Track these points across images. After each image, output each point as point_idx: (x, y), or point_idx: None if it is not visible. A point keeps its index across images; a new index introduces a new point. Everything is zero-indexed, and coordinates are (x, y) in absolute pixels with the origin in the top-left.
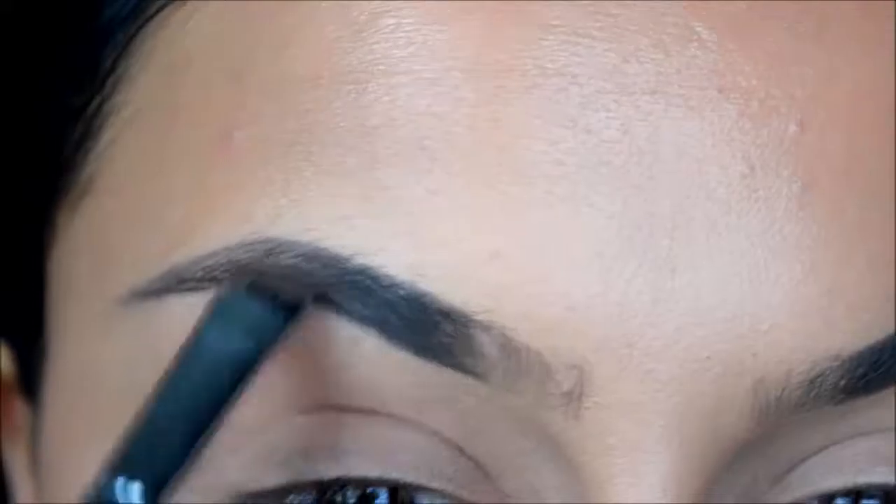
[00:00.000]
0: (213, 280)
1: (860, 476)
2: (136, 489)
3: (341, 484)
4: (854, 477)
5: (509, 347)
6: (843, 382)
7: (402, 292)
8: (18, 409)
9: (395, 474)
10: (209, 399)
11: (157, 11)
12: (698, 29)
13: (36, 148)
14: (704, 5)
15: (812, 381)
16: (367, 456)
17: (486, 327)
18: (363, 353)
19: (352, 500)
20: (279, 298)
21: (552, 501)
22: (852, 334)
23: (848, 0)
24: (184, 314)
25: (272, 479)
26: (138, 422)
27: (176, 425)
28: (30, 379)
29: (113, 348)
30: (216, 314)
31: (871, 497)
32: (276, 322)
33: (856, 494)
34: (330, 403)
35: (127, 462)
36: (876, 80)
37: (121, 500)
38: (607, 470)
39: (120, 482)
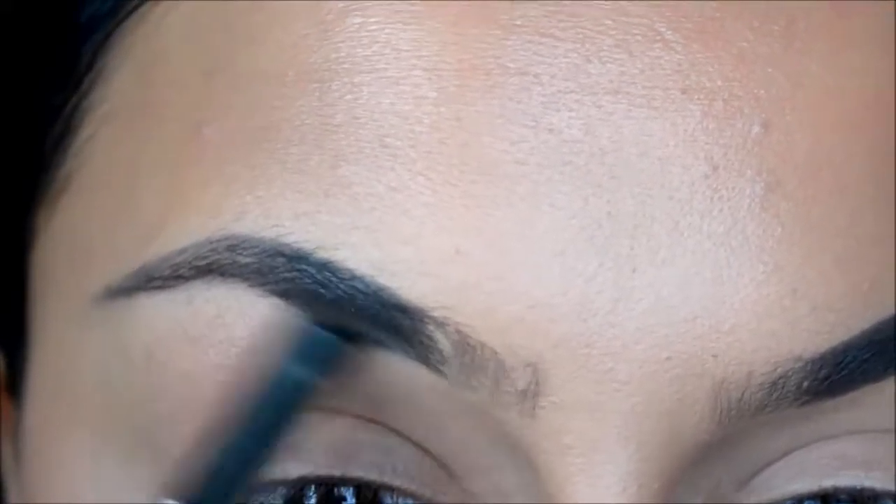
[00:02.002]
0: (180, 278)
1: (826, 479)
2: None
3: (304, 483)
4: (820, 480)
5: (464, 344)
6: (805, 384)
7: (360, 285)
8: (8, 408)
9: (358, 472)
10: (274, 427)
11: (135, 9)
12: (662, 29)
13: (16, 146)
14: (669, 6)
15: (774, 383)
16: (330, 455)
17: (441, 323)
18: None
19: (313, 500)
20: (343, 330)
21: (517, 502)
22: (816, 335)
23: (818, 5)
24: (151, 312)
25: None
26: (204, 450)
27: (240, 454)
28: (15, 379)
29: (89, 346)
30: (291, 348)
31: (838, 501)
32: (340, 353)
33: (822, 498)
34: None
35: (192, 488)
36: (844, 81)
37: None
38: (564, 469)
39: None
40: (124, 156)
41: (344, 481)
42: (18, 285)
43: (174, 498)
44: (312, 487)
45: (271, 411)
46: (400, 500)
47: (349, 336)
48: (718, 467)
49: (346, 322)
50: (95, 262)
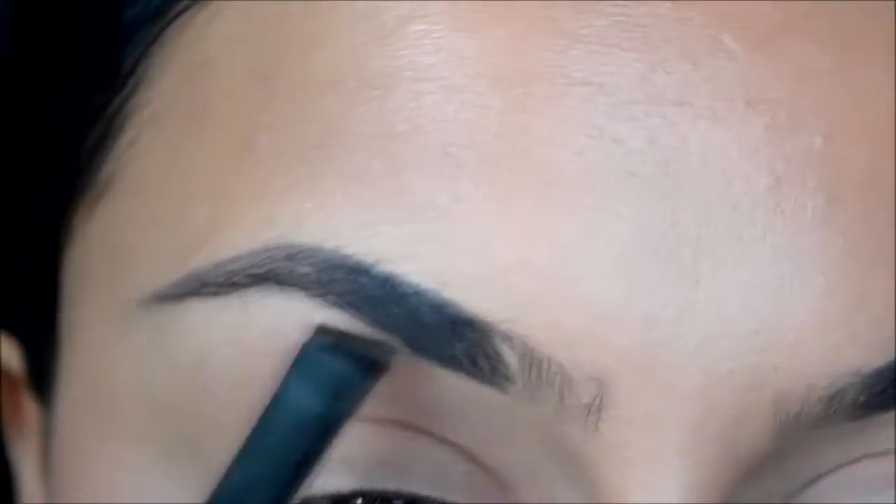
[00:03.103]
0: (235, 285)
1: (874, 497)
2: None
3: (358, 496)
4: (870, 496)
5: (531, 358)
6: (862, 398)
7: (425, 300)
8: (29, 407)
9: (411, 488)
10: (293, 459)
11: (181, 12)
12: (726, 40)
13: (54, 145)
14: (734, 17)
15: (832, 397)
16: (384, 469)
17: (508, 337)
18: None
19: None
20: (365, 358)
21: None
22: (874, 349)
23: (878, 8)
24: (203, 319)
25: None
26: (222, 480)
27: (259, 485)
28: (40, 378)
29: (129, 350)
30: (299, 372)
31: None
32: (360, 381)
33: None
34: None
35: None
36: None
37: None
38: (624, 482)
39: None
40: (171, 161)
41: (398, 495)
42: (49, 284)
43: None
44: (360, 500)
45: (290, 444)
46: None
47: (375, 362)
48: (772, 478)
49: (406, 336)
50: (139, 267)
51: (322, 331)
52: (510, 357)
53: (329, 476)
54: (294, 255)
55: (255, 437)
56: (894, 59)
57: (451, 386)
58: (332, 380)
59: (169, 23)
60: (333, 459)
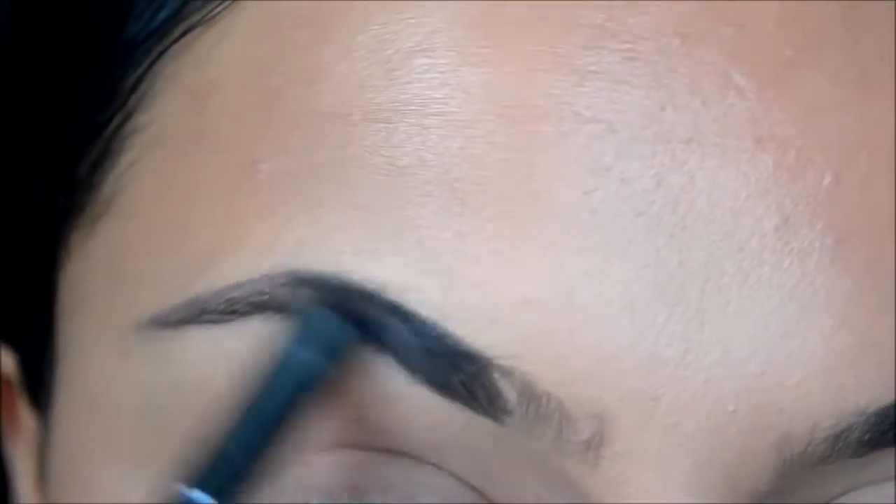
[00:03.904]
0: (235, 313)
1: None
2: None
3: None
4: None
5: (530, 393)
6: (868, 436)
7: (426, 330)
8: (23, 412)
9: None
10: (286, 413)
11: (185, 32)
12: (736, 77)
13: (54, 160)
14: (744, 52)
15: (837, 436)
16: (387, 495)
17: (508, 372)
18: (384, 390)
19: None
20: (355, 316)
21: None
22: (881, 388)
23: (891, 42)
24: (204, 346)
25: None
26: (221, 438)
27: (254, 440)
28: (36, 387)
29: (129, 373)
30: (303, 333)
31: None
32: (349, 339)
33: None
34: (349, 442)
35: (207, 477)
36: None
37: None
38: None
39: (196, 495)
40: (173, 183)
41: None
42: (46, 298)
43: (182, 481)
44: None
45: (277, 394)
46: None
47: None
48: None
49: (406, 365)
50: (139, 290)
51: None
52: (509, 391)
53: (332, 501)
54: (295, 282)
55: (260, 395)
56: None
57: (451, 417)
58: (329, 338)
59: (172, 43)
60: (336, 485)
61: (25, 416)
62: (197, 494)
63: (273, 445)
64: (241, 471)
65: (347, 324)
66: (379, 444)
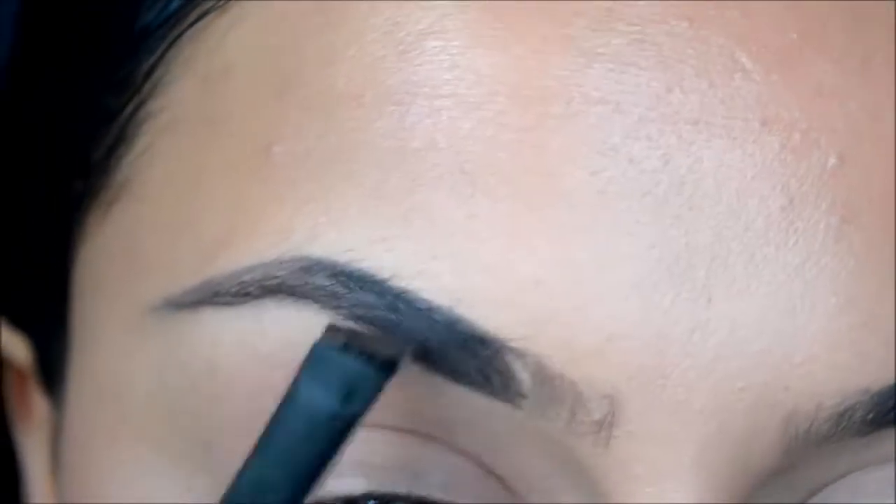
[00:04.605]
0: (248, 295)
1: (885, 498)
2: None
3: (369, 499)
4: (879, 499)
5: (543, 375)
6: (871, 416)
7: (438, 317)
8: (37, 400)
9: (423, 491)
10: (307, 459)
11: (198, 18)
12: (742, 59)
13: (69, 146)
14: (750, 35)
15: (841, 415)
16: (396, 472)
17: (521, 354)
18: (396, 375)
19: None
20: (377, 356)
21: None
22: (884, 368)
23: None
24: (217, 328)
25: None
26: (235, 480)
27: (273, 485)
28: (49, 373)
29: (142, 355)
30: (311, 371)
31: None
32: (373, 380)
33: None
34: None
35: None
36: None
37: None
38: (633, 498)
39: None
40: (187, 168)
41: (409, 498)
42: (60, 282)
43: None
44: (372, 503)
45: (306, 442)
46: None
47: (387, 360)
48: (780, 491)
49: (419, 351)
50: (153, 272)
51: (332, 329)
52: (522, 374)
53: (340, 478)
54: (308, 267)
55: (268, 437)
56: None
57: (463, 398)
58: (345, 378)
59: (186, 29)
60: (345, 462)
61: (38, 403)
62: None
63: (305, 490)
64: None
65: (371, 365)
66: (390, 424)
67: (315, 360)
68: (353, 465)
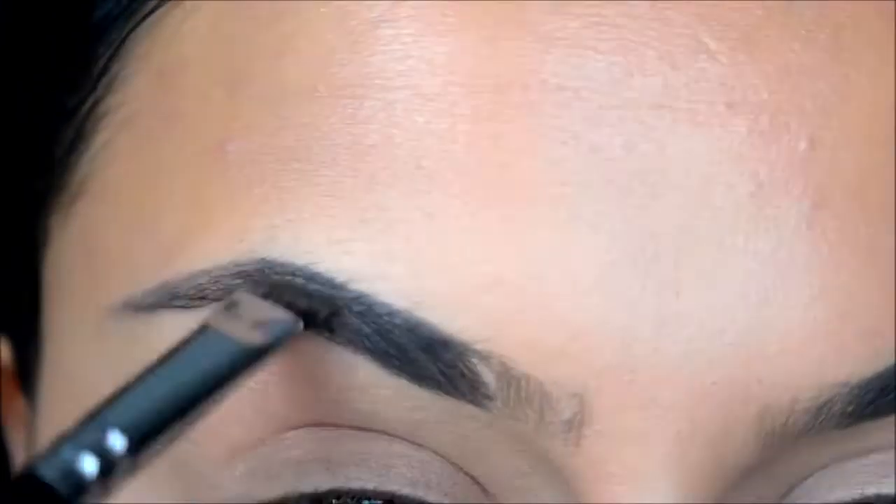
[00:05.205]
0: (205, 299)
1: (869, 487)
2: (119, 440)
3: (336, 496)
4: (862, 488)
5: (509, 376)
6: (850, 408)
7: (398, 320)
8: (18, 400)
9: (391, 486)
10: (208, 380)
11: (152, 11)
12: (706, 39)
13: (27, 147)
14: (715, 15)
15: (819, 408)
16: (363, 468)
17: (485, 357)
18: (358, 378)
19: None
20: (293, 307)
21: None
22: (862, 360)
23: (865, 1)
24: (175, 331)
25: (266, 492)
26: (134, 382)
27: (170, 395)
28: (25, 374)
29: (104, 356)
30: (231, 309)
31: None
32: (288, 324)
33: None
34: (325, 422)
35: (115, 415)
36: (893, 95)
37: (104, 448)
38: (608, 497)
39: (107, 433)
40: (143, 165)
41: (377, 494)
42: (31, 283)
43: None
44: (345, 500)
45: (210, 365)
46: None
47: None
48: (759, 484)
49: (380, 356)
50: (112, 273)
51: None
52: (488, 376)
53: (307, 476)
54: (265, 270)
55: (178, 354)
56: (880, 56)
57: (429, 400)
58: (262, 318)
59: (140, 21)
60: (310, 460)
61: (18, 404)
62: (115, 434)
63: (196, 406)
64: (161, 422)
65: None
66: (356, 424)
67: (234, 301)
68: (318, 463)
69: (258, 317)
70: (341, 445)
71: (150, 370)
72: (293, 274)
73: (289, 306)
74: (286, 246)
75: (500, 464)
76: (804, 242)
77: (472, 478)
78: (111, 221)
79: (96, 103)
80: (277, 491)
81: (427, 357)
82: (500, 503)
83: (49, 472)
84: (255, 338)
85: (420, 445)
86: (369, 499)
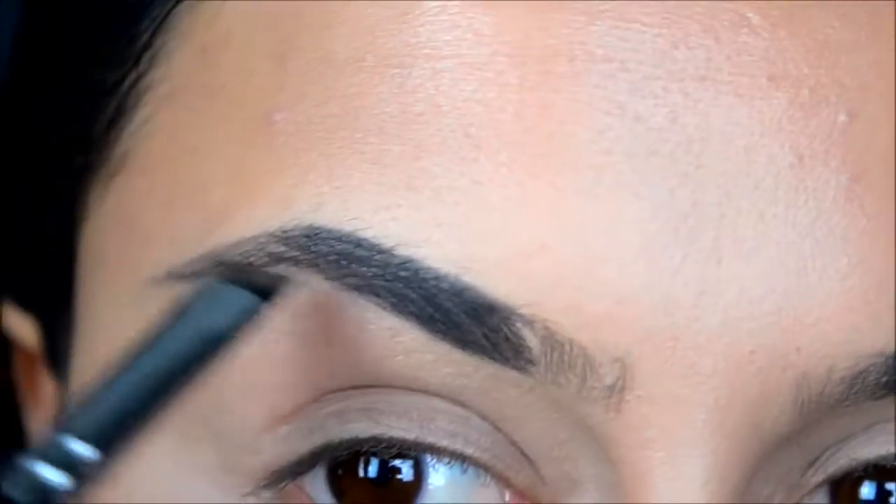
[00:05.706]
0: (251, 266)
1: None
2: (82, 447)
3: (376, 443)
4: (888, 446)
5: (552, 341)
6: (885, 379)
7: (444, 285)
8: (45, 383)
9: (431, 438)
10: (184, 367)
11: None
12: (749, 14)
13: (69, 121)
14: None
15: (854, 378)
16: (404, 419)
17: (530, 321)
18: (403, 343)
19: (372, 472)
20: (255, 284)
21: (589, 491)
22: None
23: None
24: None
25: (307, 444)
26: (103, 385)
27: (132, 391)
28: (56, 354)
29: (145, 326)
30: (200, 295)
31: None
32: (252, 304)
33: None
34: (366, 384)
35: (76, 422)
36: None
37: (68, 457)
38: (646, 463)
39: (68, 441)
40: (187, 139)
41: (417, 445)
42: (65, 261)
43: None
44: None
45: (185, 353)
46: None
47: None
48: (793, 452)
49: (426, 321)
50: (154, 245)
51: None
52: (532, 340)
53: (348, 423)
54: (311, 236)
55: (152, 343)
56: None
57: (472, 365)
58: (228, 302)
59: None
60: (354, 410)
61: (45, 384)
62: (75, 443)
63: (163, 402)
64: (125, 422)
65: (252, 291)
66: (398, 385)
67: (205, 289)
68: (361, 413)
69: (220, 303)
70: (383, 397)
71: (112, 368)
72: (340, 240)
73: (330, 276)
74: (333, 212)
75: (540, 431)
76: (842, 214)
77: (513, 443)
78: (152, 195)
79: (138, 79)
80: (319, 441)
81: (472, 321)
82: (537, 469)
83: (15, 491)
84: (218, 323)
85: (462, 404)
86: (409, 448)
